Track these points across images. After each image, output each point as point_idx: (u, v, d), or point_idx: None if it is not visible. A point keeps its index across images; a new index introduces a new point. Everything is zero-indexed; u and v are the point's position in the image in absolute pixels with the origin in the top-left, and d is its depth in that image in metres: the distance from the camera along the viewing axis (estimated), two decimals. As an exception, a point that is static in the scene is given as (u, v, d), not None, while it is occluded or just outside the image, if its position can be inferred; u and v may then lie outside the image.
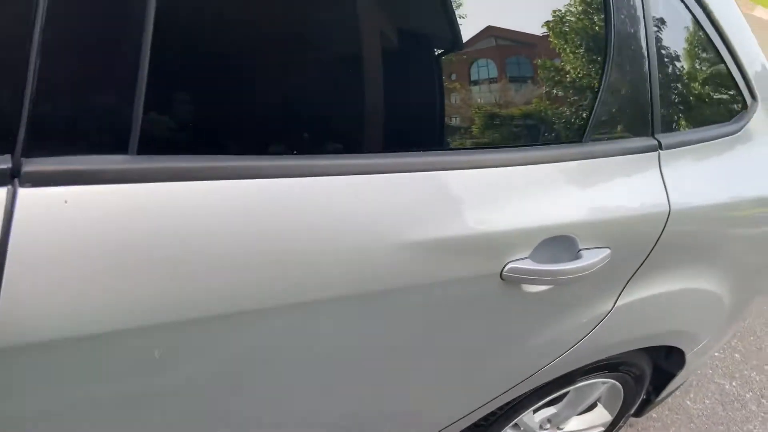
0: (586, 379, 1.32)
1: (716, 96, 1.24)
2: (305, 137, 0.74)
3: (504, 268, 0.88)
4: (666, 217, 1.04)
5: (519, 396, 1.18)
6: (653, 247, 1.06)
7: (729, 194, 1.19)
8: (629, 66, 1.01)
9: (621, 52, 0.99)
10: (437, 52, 0.88)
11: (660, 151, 1.05)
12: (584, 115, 0.98)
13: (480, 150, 0.87)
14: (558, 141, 0.97)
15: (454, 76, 0.87)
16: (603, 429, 1.57)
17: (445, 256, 0.82)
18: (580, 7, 0.98)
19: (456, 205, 0.82)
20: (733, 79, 1.23)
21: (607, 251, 0.97)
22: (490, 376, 1.07)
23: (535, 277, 0.91)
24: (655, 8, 1.05)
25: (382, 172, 0.76)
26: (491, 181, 0.85)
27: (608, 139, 1.01)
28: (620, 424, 1.58)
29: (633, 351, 1.28)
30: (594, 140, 0.98)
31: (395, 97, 0.79)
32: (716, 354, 2.29)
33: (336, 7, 0.75)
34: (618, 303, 1.11)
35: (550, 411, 1.47)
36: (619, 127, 1.03)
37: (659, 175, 1.05)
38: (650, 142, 1.04)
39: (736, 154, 1.22)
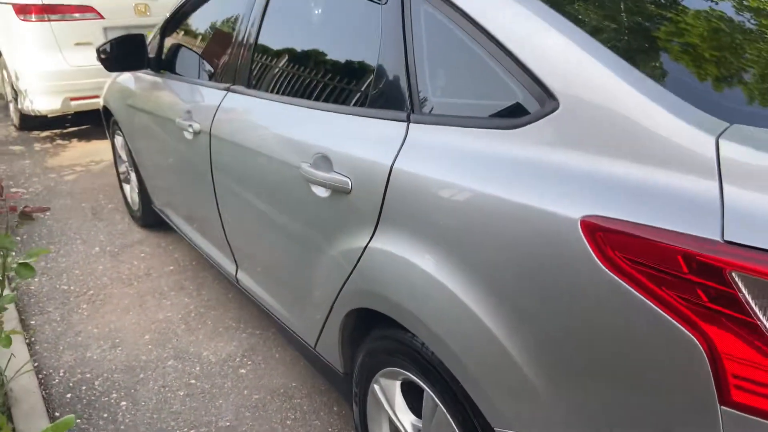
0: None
1: (485, 89, 1.35)
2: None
3: (300, 166, 1.79)
4: (388, 170, 1.47)
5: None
6: (384, 197, 1.49)
7: (454, 177, 1.31)
8: (394, 57, 1.60)
9: (387, 45, 1.63)
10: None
11: (410, 123, 1.49)
12: (365, 89, 1.70)
13: (303, 99, 1.97)
14: (347, 102, 1.77)
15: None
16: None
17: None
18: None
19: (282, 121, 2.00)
20: (509, 76, 1.28)
21: (348, 179, 1.61)
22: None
23: (311, 176, 1.73)
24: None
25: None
26: (302, 115, 1.92)
27: (379, 107, 1.63)
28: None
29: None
30: (370, 106, 1.66)
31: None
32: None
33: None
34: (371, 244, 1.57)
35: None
36: (385, 101, 1.62)
37: (402, 138, 1.49)
38: (402, 114, 1.52)
39: (492, 146, 1.27)
